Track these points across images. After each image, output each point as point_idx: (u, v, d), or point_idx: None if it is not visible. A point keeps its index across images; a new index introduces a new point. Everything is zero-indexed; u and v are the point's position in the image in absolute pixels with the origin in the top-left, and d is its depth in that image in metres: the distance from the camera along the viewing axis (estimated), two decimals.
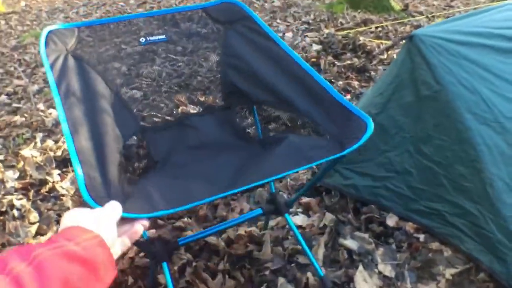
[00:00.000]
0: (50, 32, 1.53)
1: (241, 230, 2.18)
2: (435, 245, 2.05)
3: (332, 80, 3.73)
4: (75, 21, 6.65)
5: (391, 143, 2.19)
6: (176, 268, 2.00)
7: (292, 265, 2.03)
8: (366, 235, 2.14)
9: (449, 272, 1.93)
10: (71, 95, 1.41)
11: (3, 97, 4.02)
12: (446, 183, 2.01)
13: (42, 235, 2.28)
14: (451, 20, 2.31)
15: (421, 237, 2.10)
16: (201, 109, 1.96)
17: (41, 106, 3.71)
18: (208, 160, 1.73)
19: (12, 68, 4.74)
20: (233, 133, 1.92)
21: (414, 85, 2.11)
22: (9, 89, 4.20)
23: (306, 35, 4.75)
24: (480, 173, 1.86)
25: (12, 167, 2.85)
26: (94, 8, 7.65)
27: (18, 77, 4.47)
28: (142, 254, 2.08)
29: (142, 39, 1.78)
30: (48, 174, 2.73)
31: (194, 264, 2.02)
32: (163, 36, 1.83)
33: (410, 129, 2.14)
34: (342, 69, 3.88)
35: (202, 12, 1.86)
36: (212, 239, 2.13)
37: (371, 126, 1.35)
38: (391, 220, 2.20)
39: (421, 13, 5.57)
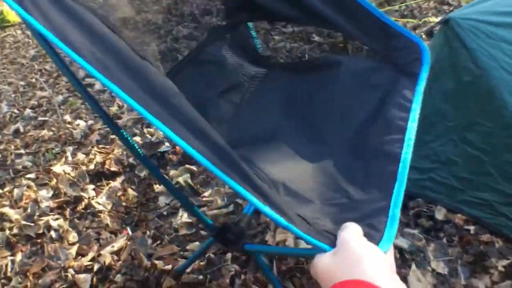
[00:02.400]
0: None
1: None
2: (486, 236, 1.99)
3: None
4: None
5: (434, 132, 2.11)
6: (228, 281, 1.96)
7: None
8: (416, 231, 2.07)
9: (501, 264, 1.87)
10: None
11: (28, 110, 3.97)
12: (493, 171, 1.94)
13: (83, 255, 2.24)
14: None
15: (471, 229, 2.04)
16: (205, 34, 1.62)
17: (67, 117, 3.66)
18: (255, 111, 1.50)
19: (33, 80, 4.69)
20: (253, 59, 1.65)
21: (454, 71, 2.02)
22: (33, 101, 4.16)
23: None
24: None
25: (45, 185, 2.82)
26: None
27: (41, 89, 4.42)
28: (188, 270, 2.04)
29: None
30: (83, 190, 2.69)
31: (242, 276, 1.97)
32: None
33: (453, 117, 2.06)
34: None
35: None
36: None
37: (423, 45, 1.28)
38: (440, 213, 2.13)
39: None
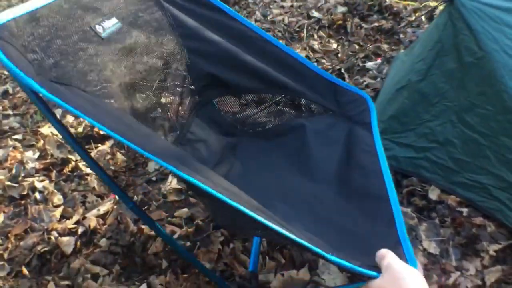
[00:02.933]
0: None
1: None
2: (478, 220, 1.98)
3: (361, 43, 3.60)
4: None
5: (433, 112, 2.08)
6: (216, 248, 1.92)
7: None
8: (408, 210, 2.05)
9: (492, 248, 1.87)
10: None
11: None
12: (490, 155, 1.92)
13: (67, 218, 2.18)
14: None
15: (464, 211, 2.02)
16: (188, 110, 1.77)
17: None
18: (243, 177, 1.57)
19: None
20: (225, 131, 1.80)
21: (457, 50, 1.99)
22: None
23: None
24: None
25: (32, 146, 2.75)
26: None
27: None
28: (176, 236, 2.00)
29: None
30: (70, 152, 2.62)
31: (231, 245, 1.94)
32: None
33: (453, 97, 2.03)
34: (370, 31, 3.73)
35: None
36: None
37: (368, 97, 1.52)
38: (433, 193, 2.10)
39: None
